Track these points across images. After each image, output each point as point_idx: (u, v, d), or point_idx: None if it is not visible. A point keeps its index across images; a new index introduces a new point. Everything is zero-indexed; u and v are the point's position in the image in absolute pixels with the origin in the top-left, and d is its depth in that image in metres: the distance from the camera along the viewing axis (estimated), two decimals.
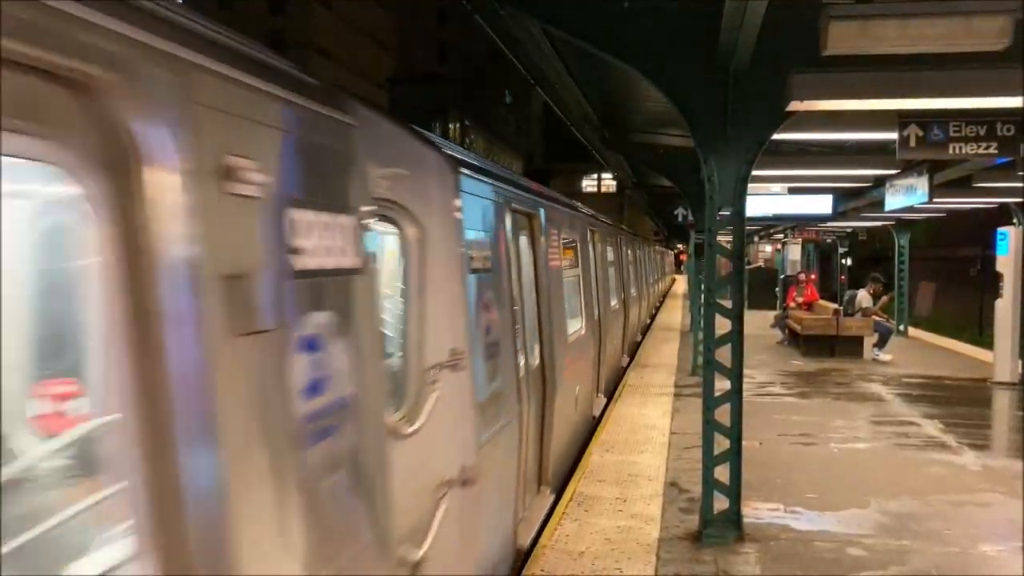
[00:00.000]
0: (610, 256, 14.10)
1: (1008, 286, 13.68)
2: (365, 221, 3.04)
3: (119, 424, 1.83)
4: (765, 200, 15.67)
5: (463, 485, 4.23)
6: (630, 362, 16.71)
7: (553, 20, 6.61)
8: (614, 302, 13.85)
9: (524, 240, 6.90)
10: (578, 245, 10.14)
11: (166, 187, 1.86)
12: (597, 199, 68.74)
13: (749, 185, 6.44)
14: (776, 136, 6.74)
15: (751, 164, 6.34)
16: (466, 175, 4.81)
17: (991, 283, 15.12)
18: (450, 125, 63.00)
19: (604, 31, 6.29)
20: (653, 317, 28.77)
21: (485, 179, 5.53)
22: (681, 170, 12.81)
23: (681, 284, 49.01)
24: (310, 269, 2.52)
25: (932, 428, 10.48)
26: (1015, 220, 14.76)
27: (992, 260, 14.48)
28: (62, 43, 1.61)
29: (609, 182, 75.54)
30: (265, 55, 2.60)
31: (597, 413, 11.03)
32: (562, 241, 8.73)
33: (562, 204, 9.81)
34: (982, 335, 23.07)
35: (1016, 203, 14.52)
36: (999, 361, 13.87)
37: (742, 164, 6.32)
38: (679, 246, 50.59)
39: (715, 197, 6.42)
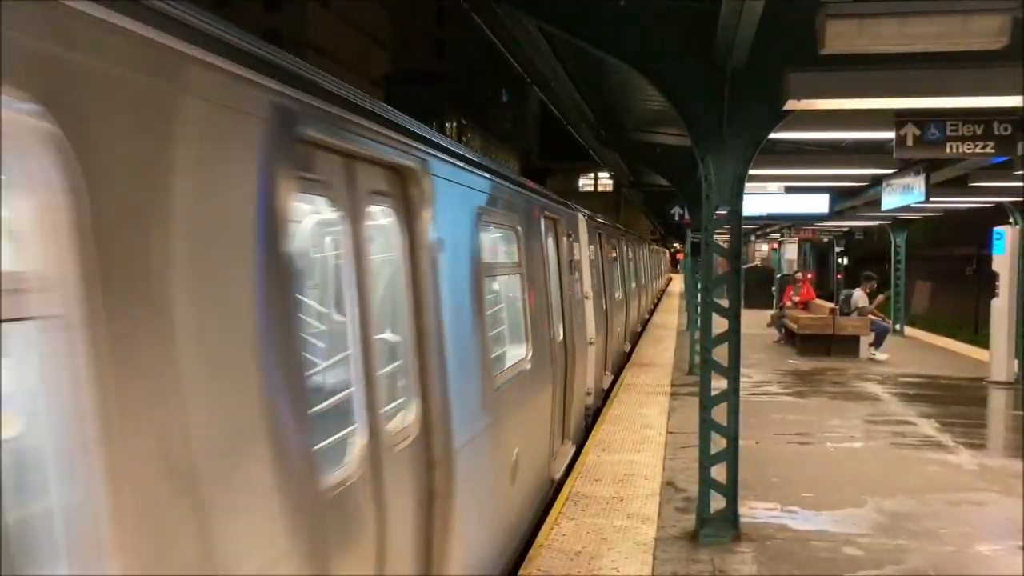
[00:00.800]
0: (630, 254, 20.03)
1: (1004, 285, 13.70)
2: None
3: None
4: (762, 199, 15.66)
5: (590, 344, 10.36)
6: (642, 330, 22.52)
7: (550, 19, 6.59)
8: (634, 284, 20.06)
9: (596, 245, 12.46)
10: (617, 247, 16.59)
11: (564, 246, 8.91)
12: (594, 198, 68.83)
13: (746, 184, 6.44)
14: (773, 135, 6.73)
15: (748, 163, 6.33)
16: (587, 220, 11.18)
17: (987, 282, 15.14)
18: (447, 124, 62.97)
19: (601, 30, 6.28)
20: (651, 313, 29.14)
21: (591, 220, 11.80)
22: (678, 169, 12.80)
23: (677, 283, 49.05)
24: (575, 259, 9.75)
25: (928, 427, 10.49)
26: (1011, 219, 14.76)
27: (988, 259, 14.49)
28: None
29: (606, 181, 75.52)
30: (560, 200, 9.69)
31: (627, 350, 17.49)
32: (611, 244, 15.00)
33: (611, 224, 17.16)
34: (978, 334, 23.11)
35: (1012, 202, 14.53)
36: (995, 360, 13.89)
37: (739, 163, 6.31)
38: (675, 245, 50.61)
39: (712, 196, 6.41)
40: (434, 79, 69.93)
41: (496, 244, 6.49)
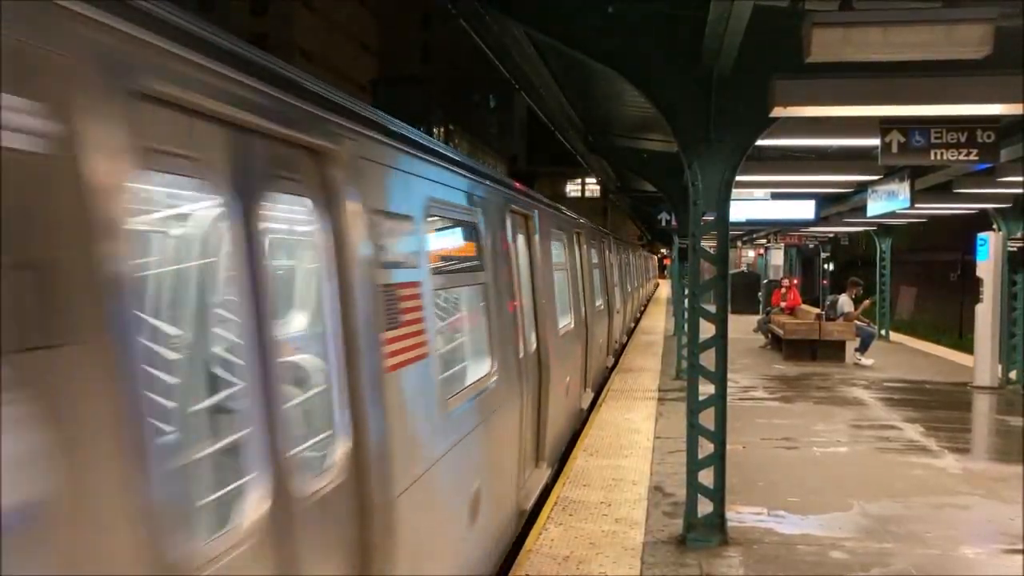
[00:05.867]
0: (631, 260, 24.62)
1: (988, 290, 13.81)
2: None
3: None
4: (748, 205, 15.70)
5: (613, 315, 16.26)
6: (641, 315, 28.99)
7: (538, 25, 6.61)
8: (632, 283, 24.27)
9: (607, 250, 16.14)
10: (628, 254, 21.84)
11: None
12: (581, 203, 68.80)
13: (732, 190, 6.47)
14: (759, 141, 6.77)
15: (735, 169, 6.36)
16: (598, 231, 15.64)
17: (971, 287, 15.26)
18: (434, 128, 62.92)
19: (589, 36, 6.30)
20: (640, 316, 29.44)
21: (598, 230, 15.72)
22: (665, 174, 12.82)
23: (664, 288, 49.16)
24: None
25: (913, 432, 10.56)
26: (994, 225, 14.89)
27: (972, 265, 14.61)
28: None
29: (593, 186, 75.59)
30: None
31: (627, 334, 21.88)
32: (618, 251, 18.96)
33: (620, 239, 22.16)
34: (962, 339, 23.29)
35: (995, 208, 14.67)
36: (979, 365, 14.00)
37: (726, 169, 6.34)
38: (663, 250, 50.74)
39: (699, 202, 6.44)
40: (420, 83, 69.89)
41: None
